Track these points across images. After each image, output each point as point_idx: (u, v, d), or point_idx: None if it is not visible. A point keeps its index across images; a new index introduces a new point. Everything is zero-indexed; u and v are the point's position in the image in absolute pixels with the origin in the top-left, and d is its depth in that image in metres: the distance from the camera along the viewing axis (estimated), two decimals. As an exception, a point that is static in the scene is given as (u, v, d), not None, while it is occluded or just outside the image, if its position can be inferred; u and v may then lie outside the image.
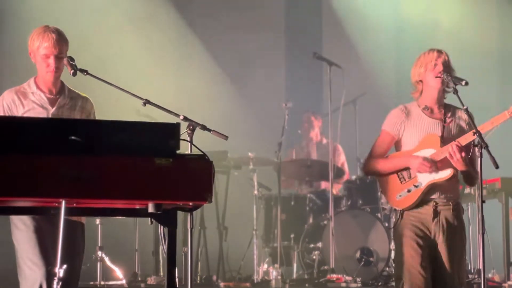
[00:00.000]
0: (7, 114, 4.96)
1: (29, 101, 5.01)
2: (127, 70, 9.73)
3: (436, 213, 5.23)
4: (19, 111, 4.98)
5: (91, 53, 8.63)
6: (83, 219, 5.10)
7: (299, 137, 10.14)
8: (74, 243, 4.96)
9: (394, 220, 5.42)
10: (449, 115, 5.36)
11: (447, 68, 5.30)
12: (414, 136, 5.33)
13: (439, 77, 5.27)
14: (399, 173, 5.31)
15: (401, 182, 5.31)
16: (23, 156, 3.53)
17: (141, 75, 9.97)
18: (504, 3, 11.47)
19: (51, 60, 4.96)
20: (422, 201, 5.25)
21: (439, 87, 5.31)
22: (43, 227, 4.85)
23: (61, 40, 4.99)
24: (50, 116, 4.97)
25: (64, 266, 4.03)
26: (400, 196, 5.29)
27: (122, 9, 10.20)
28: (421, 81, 5.36)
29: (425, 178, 5.24)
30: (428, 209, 5.24)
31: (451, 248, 5.20)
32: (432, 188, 5.24)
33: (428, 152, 5.25)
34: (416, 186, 5.25)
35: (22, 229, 4.87)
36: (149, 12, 10.49)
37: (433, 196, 5.26)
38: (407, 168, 5.29)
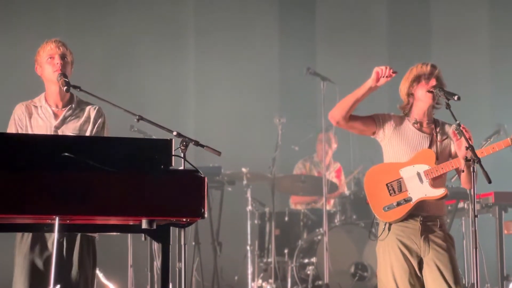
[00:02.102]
0: (18, 127, 5.05)
1: (36, 115, 5.09)
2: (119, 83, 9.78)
3: (424, 229, 5.17)
4: (27, 124, 5.06)
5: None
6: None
7: (293, 153, 10.12)
8: (75, 258, 4.96)
9: (376, 232, 5.36)
10: (438, 130, 5.34)
11: (440, 83, 5.29)
12: (402, 148, 5.28)
13: (431, 91, 5.26)
14: (388, 185, 5.23)
15: (390, 194, 5.22)
16: (15, 173, 3.53)
17: (133, 88, 9.99)
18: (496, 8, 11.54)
19: (56, 60, 5.04)
20: (410, 215, 5.19)
21: (431, 102, 5.28)
22: (38, 250, 4.89)
23: (64, 45, 5.12)
24: (53, 129, 5.04)
25: (58, 287, 4.03)
26: (388, 208, 5.20)
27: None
28: (412, 94, 5.32)
29: (416, 194, 5.19)
30: (415, 224, 5.19)
31: (444, 265, 5.13)
32: (421, 203, 5.20)
33: (422, 168, 5.21)
34: (406, 201, 5.19)
35: (17, 261, 4.91)
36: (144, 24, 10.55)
37: (420, 211, 5.20)
38: (398, 178, 5.23)
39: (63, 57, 5.06)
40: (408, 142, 5.29)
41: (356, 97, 5.22)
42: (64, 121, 5.09)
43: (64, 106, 5.13)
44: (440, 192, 5.20)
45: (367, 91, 5.23)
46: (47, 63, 5.06)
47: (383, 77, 5.17)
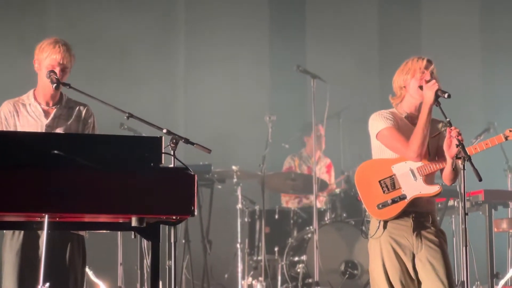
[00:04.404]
0: (4, 125, 5.02)
1: (25, 113, 5.07)
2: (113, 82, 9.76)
3: (416, 225, 5.14)
4: (15, 123, 5.03)
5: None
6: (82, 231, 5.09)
7: (283, 150, 10.12)
8: (65, 256, 4.95)
9: (367, 229, 5.32)
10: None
11: (434, 79, 5.24)
12: None
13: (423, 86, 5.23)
14: (381, 182, 5.17)
15: (383, 192, 5.16)
16: (4, 170, 3.52)
17: (123, 87, 9.97)
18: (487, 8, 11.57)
19: (57, 71, 4.99)
20: (403, 212, 5.15)
21: (422, 98, 5.26)
22: (29, 248, 4.87)
23: (69, 54, 5.07)
24: (44, 127, 5.01)
25: (47, 285, 4.01)
26: (382, 206, 5.15)
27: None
28: (404, 87, 5.25)
29: (411, 191, 5.15)
30: (407, 221, 5.15)
31: (437, 261, 5.10)
32: (414, 200, 5.16)
33: (415, 164, 5.16)
34: (401, 198, 5.13)
35: (8, 258, 4.89)
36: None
37: (413, 208, 5.15)
38: (390, 175, 5.16)
39: (63, 69, 5.03)
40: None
41: (426, 122, 5.11)
42: (55, 119, 5.07)
43: (55, 104, 5.12)
44: (435, 189, 5.18)
45: (431, 111, 5.15)
46: (47, 68, 5.02)
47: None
